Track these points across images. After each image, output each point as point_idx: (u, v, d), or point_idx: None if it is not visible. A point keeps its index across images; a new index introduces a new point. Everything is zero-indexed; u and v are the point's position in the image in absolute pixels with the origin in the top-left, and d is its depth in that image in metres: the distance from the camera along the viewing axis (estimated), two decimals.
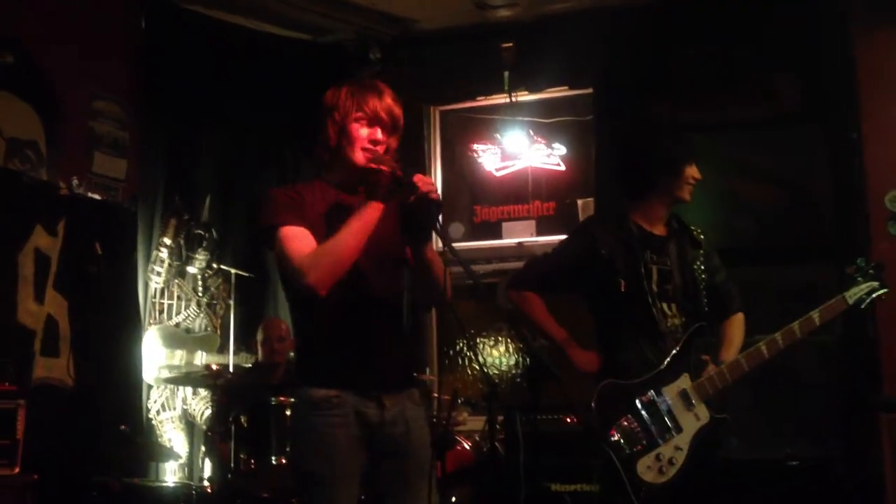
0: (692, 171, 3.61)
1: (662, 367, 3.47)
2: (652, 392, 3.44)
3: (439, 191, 2.81)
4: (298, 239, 2.78)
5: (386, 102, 2.89)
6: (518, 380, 5.93)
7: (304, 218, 2.82)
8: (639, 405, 3.43)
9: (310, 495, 2.82)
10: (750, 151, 5.73)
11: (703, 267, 3.61)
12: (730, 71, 5.77)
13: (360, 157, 2.85)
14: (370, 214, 2.75)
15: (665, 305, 3.54)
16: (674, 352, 3.48)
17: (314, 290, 2.73)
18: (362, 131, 2.86)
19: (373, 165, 2.83)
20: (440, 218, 2.77)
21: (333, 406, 2.79)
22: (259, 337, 5.54)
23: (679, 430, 3.41)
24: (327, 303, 2.78)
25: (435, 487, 2.90)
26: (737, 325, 3.66)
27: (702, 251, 3.64)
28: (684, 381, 3.46)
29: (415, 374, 3.05)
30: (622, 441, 3.38)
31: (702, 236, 3.69)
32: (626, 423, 3.41)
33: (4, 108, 5.08)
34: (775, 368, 3.77)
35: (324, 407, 2.79)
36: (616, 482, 3.37)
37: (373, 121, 2.87)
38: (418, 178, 2.72)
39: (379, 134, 2.88)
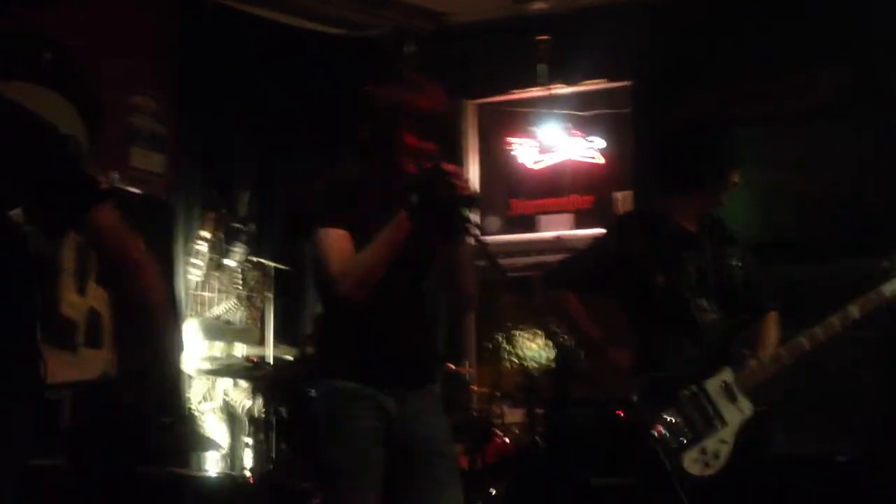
0: (735, 177, 3.58)
1: (703, 360, 3.45)
2: (694, 386, 3.41)
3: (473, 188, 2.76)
4: (338, 244, 2.76)
5: (433, 104, 2.83)
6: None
7: (345, 219, 2.79)
8: (682, 399, 3.40)
9: (331, 487, 2.84)
10: (793, 144, 5.67)
11: (737, 262, 3.57)
12: (773, 62, 5.72)
13: (408, 165, 2.80)
14: (406, 227, 2.71)
15: (703, 301, 3.51)
16: (714, 346, 3.46)
17: (347, 299, 2.75)
18: (409, 138, 2.79)
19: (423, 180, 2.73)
20: (473, 215, 2.72)
21: (354, 399, 2.79)
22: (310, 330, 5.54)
23: (723, 423, 3.38)
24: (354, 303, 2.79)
25: (458, 480, 2.90)
26: (772, 323, 3.61)
27: (736, 248, 3.61)
28: (727, 374, 3.42)
29: (435, 370, 3.04)
30: (667, 435, 3.35)
31: (736, 232, 3.66)
32: (669, 418, 3.38)
33: (44, 105, 5.10)
34: (821, 364, 3.75)
35: (344, 399, 2.80)
36: (661, 477, 3.36)
37: (420, 126, 2.80)
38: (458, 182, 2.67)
39: (424, 140, 2.82)
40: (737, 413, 3.39)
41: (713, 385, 3.41)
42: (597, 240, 3.82)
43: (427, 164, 2.73)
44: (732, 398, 3.41)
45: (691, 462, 3.33)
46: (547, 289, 3.70)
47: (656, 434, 3.36)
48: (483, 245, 2.72)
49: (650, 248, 3.54)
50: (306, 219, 2.83)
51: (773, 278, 3.76)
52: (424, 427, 2.84)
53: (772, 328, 3.60)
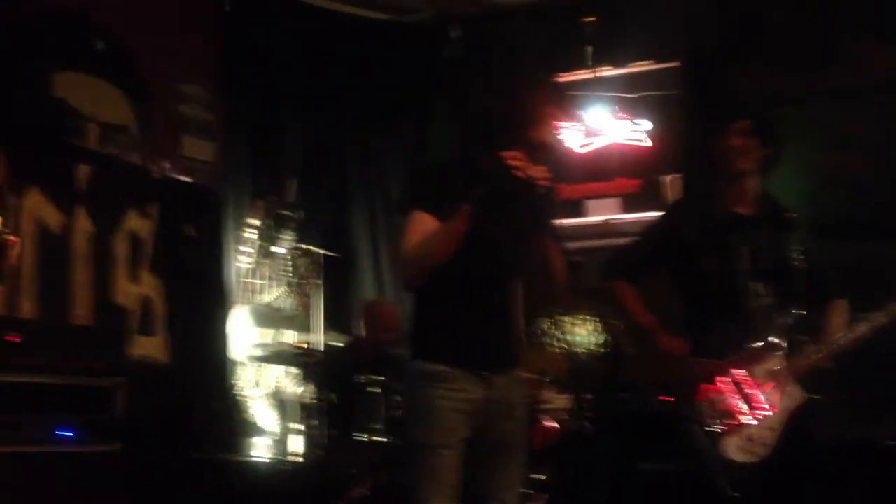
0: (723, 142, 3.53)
1: (753, 346, 3.42)
2: (743, 372, 3.40)
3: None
4: (416, 227, 2.84)
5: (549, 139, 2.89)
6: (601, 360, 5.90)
7: (433, 203, 2.85)
8: (728, 385, 3.39)
9: (413, 463, 2.90)
10: (843, 122, 5.57)
11: (796, 249, 3.51)
12: (822, 39, 5.61)
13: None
14: (466, 219, 2.75)
15: (755, 285, 3.47)
16: (765, 331, 3.42)
17: (406, 284, 2.92)
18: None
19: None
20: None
21: (441, 380, 2.87)
22: (363, 319, 5.60)
23: (771, 410, 3.36)
24: (444, 282, 2.86)
25: (524, 468, 2.98)
26: (838, 311, 3.55)
27: (796, 234, 3.54)
28: (777, 362, 3.40)
29: (519, 355, 3.07)
30: (711, 421, 3.35)
31: (797, 219, 3.58)
32: (715, 403, 3.37)
33: (97, 94, 5.20)
34: (868, 347, 3.69)
35: (431, 380, 2.87)
36: (704, 462, 3.36)
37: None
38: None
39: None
40: (786, 400, 3.37)
41: (762, 371, 3.39)
42: (649, 227, 3.85)
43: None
44: (782, 385, 3.38)
45: (735, 449, 3.33)
46: (604, 279, 3.77)
47: (699, 420, 3.36)
48: (555, 234, 2.84)
49: (701, 233, 3.54)
50: (400, 201, 2.94)
51: (826, 259, 3.69)
52: (508, 411, 2.93)
53: (836, 317, 3.55)
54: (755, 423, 3.35)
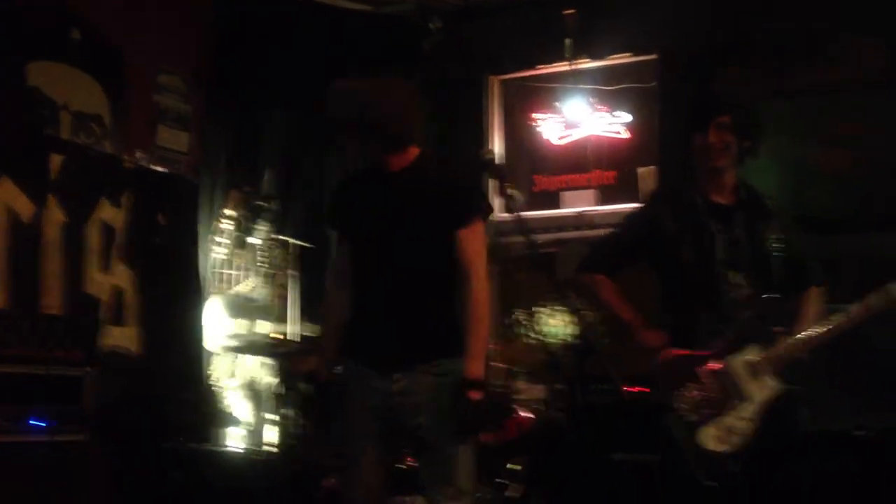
0: (702, 138, 3.55)
1: (729, 336, 3.44)
2: (717, 362, 3.41)
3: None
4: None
5: None
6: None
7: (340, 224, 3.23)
8: (703, 375, 3.41)
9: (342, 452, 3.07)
10: (828, 117, 5.58)
11: (775, 237, 3.53)
12: (807, 34, 5.61)
13: None
14: None
15: (733, 275, 3.50)
16: (741, 322, 3.44)
17: None
18: None
19: None
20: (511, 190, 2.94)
21: (349, 377, 3.04)
22: None
23: (745, 400, 3.38)
24: (354, 283, 3.04)
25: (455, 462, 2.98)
26: (814, 299, 3.57)
27: (775, 221, 3.57)
28: (752, 352, 3.41)
29: (432, 351, 3.03)
30: (685, 410, 3.37)
31: (775, 207, 3.61)
32: (689, 393, 3.40)
33: (70, 83, 5.17)
34: (848, 338, 3.69)
35: (346, 377, 3.05)
36: (678, 451, 3.37)
37: None
38: None
39: None
40: (761, 391, 3.38)
41: (737, 362, 3.41)
42: (627, 219, 3.86)
43: None
44: (757, 375, 3.40)
45: (708, 437, 3.35)
46: (581, 272, 3.79)
47: (674, 409, 3.38)
48: (519, 220, 2.91)
49: (679, 223, 3.57)
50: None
51: (805, 246, 3.69)
52: (414, 404, 2.95)
53: (812, 303, 3.56)
54: (728, 412, 3.36)
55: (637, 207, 3.89)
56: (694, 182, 3.63)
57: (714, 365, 3.42)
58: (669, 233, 3.57)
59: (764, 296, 3.46)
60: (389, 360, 2.97)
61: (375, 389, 2.97)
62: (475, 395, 2.88)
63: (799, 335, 3.45)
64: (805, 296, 3.58)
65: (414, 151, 3.11)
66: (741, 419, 3.36)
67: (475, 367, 2.91)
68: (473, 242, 3.02)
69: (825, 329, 3.43)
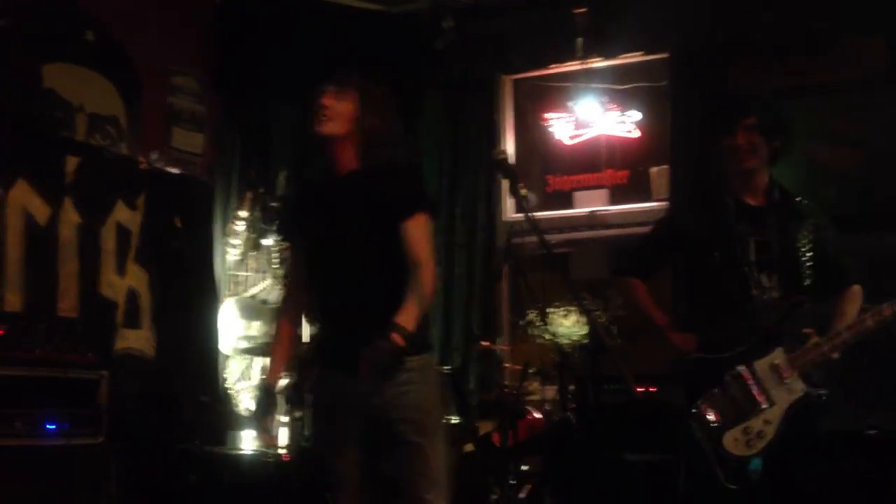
0: (730, 140, 3.54)
1: (755, 340, 3.42)
2: (742, 366, 3.40)
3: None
4: None
5: None
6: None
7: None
8: (727, 378, 3.40)
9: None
10: (831, 116, 5.56)
11: (809, 238, 3.50)
12: (812, 33, 5.59)
13: None
14: None
15: (764, 277, 3.48)
16: (768, 325, 3.42)
17: None
18: None
19: None
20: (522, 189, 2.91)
21: (320, 380, 3.10)
22: None
23: (770, 403, 3.36)
24: (314, 291, 3.11)
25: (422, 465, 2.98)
26: (850, 299, 3.53)
27: (808, 223, 3.53)
28: (777, 355, 3.39)
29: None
30: (709, 414, 3.37)
31: (808, 207, 3.58)
32: (713, 397, 3.39)
33: (86, 85, 5.21)
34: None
35: (317, 381, 3.11)
36: (701, 454, 3.37)
37: None
38: None
39: None
40: (785, 394, 3.37)
41: (762, 365, 3.40)
42: (655, 223, 3.89)
43: None
44: (782, 379, 3.38)
45: (733, 441, 3.34)
46: (616, 276, 3.86)
47: (697, 412, 3.38)
48: (532, 220, 2.86)
49: (709, 225, 3.56)
50: None
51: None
52: (384, 402, 2.95)
53: (850, 303, 3.52)
54: (753, 416, 3.36)
55: (665, 211, 3.89)
56: (724, 184, 3.62)
57: (739, 368, 3.42)
58: (698, 236, 3.57)
59: (794, 298, 3.45)
60: (354, 365, 2.93)
61: (346, 393, 2.98)
62: (395, 338, 2.84)
63: (826, 336, 3.42)
64: (843, 296, 3.54)
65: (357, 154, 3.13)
66: (765, 423, 3.35)
67: (405, 318, 2.89)
68: (417, 233, 3.01)
69: (852, 329, 3.40)
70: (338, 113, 3.07)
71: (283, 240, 3.41)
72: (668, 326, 3.65)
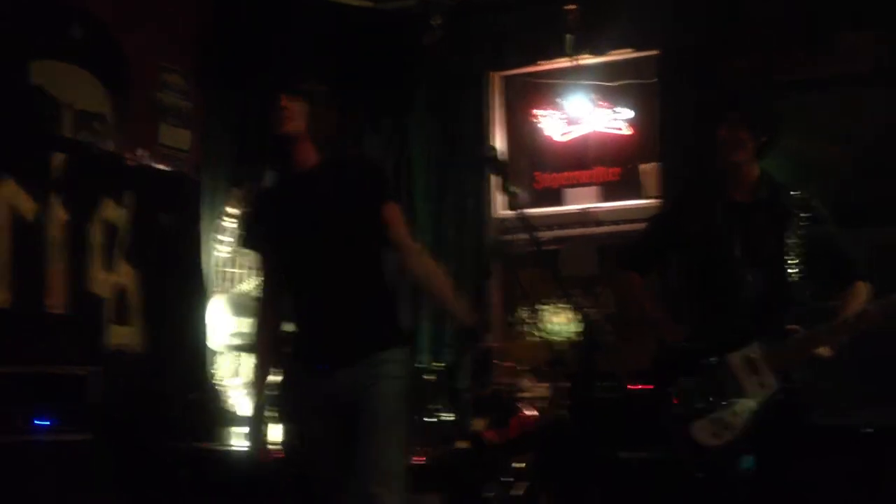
0: (724, 133, 3.54)
1: (732, 333, 3.43)
2: (714, 357, 3.42)
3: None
4: None
5: None
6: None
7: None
8: (698, 368, 3.43)
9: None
10: (823, 112, 5.57)
11: (800, 234, 3.49)
12: (803, 30, 5.60)
13: None
14: None
15: (749, 273, 3.48)
16: (754, 319, 3.43)
17: None
18: None
19: None
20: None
21: (289, 378, 3.13)
22: None
23: (740, 395, 3.37)
24: (289, 290, 3.15)
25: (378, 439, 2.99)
26: (854, 296, 3.50)
27: (801, 217, 3.52)
28: (753, 349, 3.40)
29: (375, 342, 3.10)
30: (678, 403, 3.39)
31: (807, 201, 3.55)
32: (683, 386, 3.42)
33: (73, 81, 5.17)
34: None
35: (289, 376, 3.14)
36: (669, 442, 3.39)
37: None
38: None
39: None
40: (757, 387, 3.37)
41: (736, 357, 3.41)
42: (650, 221, 3.92)
43: None
44: (755, 373, 3.38)
45: (700, 430, 3.37)
46: (616, 270, 3.91)
47: (667, 402, 3.40)
48: (522, 217, 2.87)
49: (698, 222, 3.58)
50: None
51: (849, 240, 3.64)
52: (360, 396, 3.00)
53: (851, 300, 3.49)
54: (722, 407, 3.37)
55: (660, 208, 3.92)
56: (714, 180, 3.63)
57: (711, 359, 3.42)
58: (688, 232, 3.59)
59: (776, 293, 3.45)
60: (331, 361, 3.03)
61: (319, 388, 3.03)
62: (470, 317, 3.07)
63: (801, 334, 3.42)
64: (848, 291, 3.52)
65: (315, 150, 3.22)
66: (734, 415, 3.36)
67: (460, 314, 3.06)
68: (395, 217, 3.13)
69: (835, 328, 3.39)
70: (296, 112, 3.17)
71: (250, 248, 3.42)
72: (661, 320, 3.68)
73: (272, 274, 3.25)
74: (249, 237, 3.37)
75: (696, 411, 3.39)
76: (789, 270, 3.47)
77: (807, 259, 3.48)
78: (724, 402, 3.37)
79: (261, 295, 3.35)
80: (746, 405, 3.36)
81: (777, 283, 3.46)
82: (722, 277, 3.50)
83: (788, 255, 3.48)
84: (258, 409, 3.23)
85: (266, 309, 3.29)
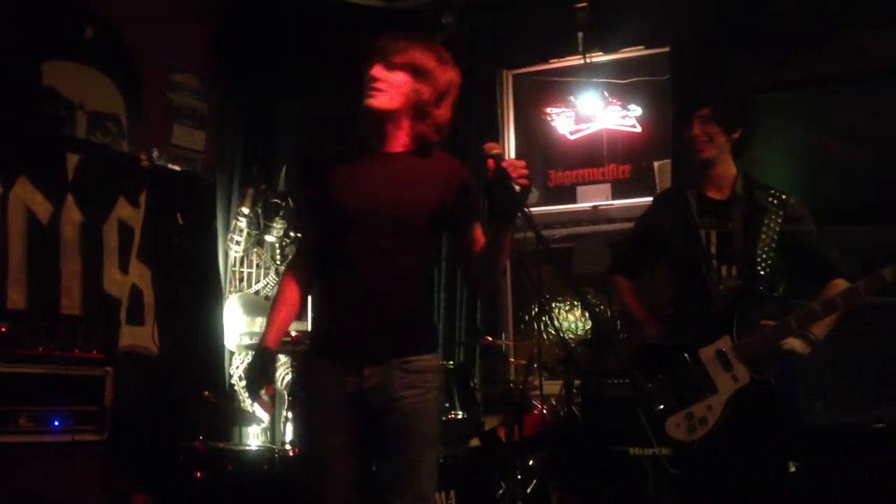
0: (686, 131, 3.60)
1: (704, 327, 3.46)
2: (687, 352, 3.45)
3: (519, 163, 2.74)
4: None
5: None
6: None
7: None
8: (672, 364, 3.46)
9: (302, 454, 3.03)
10: (837, 108, 5.56)
11: (776, 231, 3.51)
12: (815, 25, 5.58)
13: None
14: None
15: (724, 268, 3.52)
16: (726, 313, 3.45)
17: None
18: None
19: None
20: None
21: (314, 372, 2.84)
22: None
23: (713, 390, 3.40)
24: (323, 276, 2.86)
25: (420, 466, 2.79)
26: (830, 290, 3.52)
27: (779, 214, 3.54)
28: (724, 343, 3.43)
29: (412, 343, 2.85)
30: (652, 398, 3.42)
31: (784, 200, 3.57)
32: (657, 382, 3.45)
33: (86, 83, 5.20)
34: (864, 331, 3.68)
35: (313, 372, 2.85)
36: (646, 439, 3.40)
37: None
38: (508, 163, 2.68)
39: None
40: (730, 382, 3.39)
41: (707, 352, 3.44)
42: (635, 225, 3.97)
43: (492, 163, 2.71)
44: (727, 366, 3.41)
45: (674, 426, 3.40)
46: (608, 274, 3.97)
47: (642, 397, 3.43)
48: (528, 217, 2.73)
49: (674, 220, 3.64)
50: None
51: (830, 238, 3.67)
52: (389, 399, 2.77)
53: (825, 294, 3.49)
54: (696, 402, 3.39)
55: (645, 208, 3.96)
56: (689, 178, 3.66)
57: (684, 355, 3.45)
58: (666, 231, 3.65)
59: (746, 286, 3.47)
60: (361, 354, 2.77)
61: (342, 385, 2.77)
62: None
63: (771, 326, 3.41)
64: (825, 289, 3.53)
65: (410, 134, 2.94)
66: (708, 409, 3.38)
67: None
68: (480, 236, 2.90)
69: (801, 318, 3.38)
70: (390, 84, 2.85)
71: (301, 188, 3.16)
72: (645, 320, 3.77)
73: (312, 234, 2.96)
74: (306, 179, 3.06)
75: (671, 407, 3.41)
76: (762, 266, 3.49)
77: (781, 256, 3.50)
78: (698, 397, 3.38)
79: (298, 243, 3.09)
80: (720, 399, 3.38)
81: (750, 278, 3.49)
82: (696, 274, 3.53)
83: (762, 251, 3.50)
84: (262, 353, 2.89)
85: (301, 257, 3.01)
